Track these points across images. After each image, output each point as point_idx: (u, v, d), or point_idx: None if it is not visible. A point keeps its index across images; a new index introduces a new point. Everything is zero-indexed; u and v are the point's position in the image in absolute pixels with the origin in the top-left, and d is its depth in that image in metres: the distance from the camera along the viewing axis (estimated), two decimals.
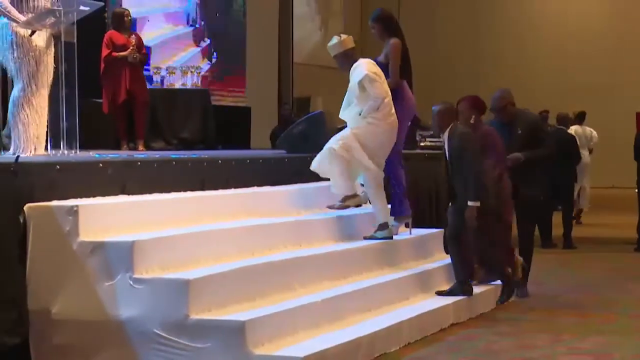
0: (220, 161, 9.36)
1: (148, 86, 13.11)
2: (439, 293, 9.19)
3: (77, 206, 7.01)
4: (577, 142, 15.79)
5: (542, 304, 9.95)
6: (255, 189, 9.24)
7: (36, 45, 8.97)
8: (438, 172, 12.80)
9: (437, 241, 10.45)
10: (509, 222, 9.72)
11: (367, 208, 9.61)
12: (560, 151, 14.57)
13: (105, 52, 12.18)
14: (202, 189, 8.66)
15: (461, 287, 9.17)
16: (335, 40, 9.34)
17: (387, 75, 9.46)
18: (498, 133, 9.84)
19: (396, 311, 8.36)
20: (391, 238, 9.45)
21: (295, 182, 9.79)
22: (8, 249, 6.86)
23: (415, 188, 12.00)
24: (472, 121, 9.68)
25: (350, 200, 9.29)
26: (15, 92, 8.97)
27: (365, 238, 9.29)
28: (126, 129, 12.38)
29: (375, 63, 9.38)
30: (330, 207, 9.31)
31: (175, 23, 17.06)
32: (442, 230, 10.61)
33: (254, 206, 8.79)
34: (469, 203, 9.01)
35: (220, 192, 8.78)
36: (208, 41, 17.59)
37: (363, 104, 9.13)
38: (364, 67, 9.14)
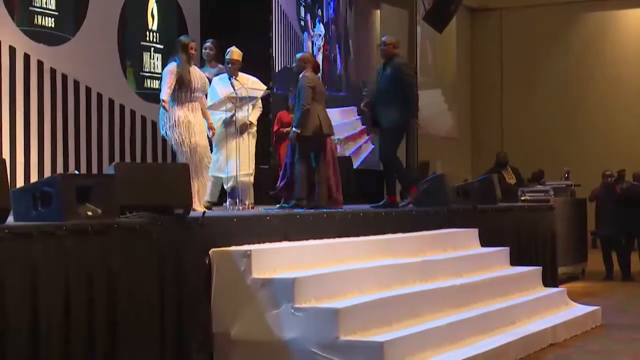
0: (361, 214, 9.25)
1: None
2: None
3: (250, 250, 6.98)
4: None
5: (625, 326, 9.59)
6: (389, 235, 9.04)
7: (189, 122, 8.78)
8: (537, 220, 12.52)
9: (536, 276, 10.07)
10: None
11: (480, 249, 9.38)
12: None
13: (275, 127, 12.26)
14: (347, 235, 8.56)
15: (297, 203, 9.51)
16: (235, 48, 9.85)
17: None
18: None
19: (505, 334, 8.08)
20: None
21: (420, 230, 9.59)
22: (197, 284, 6.83)
23: (518, 234, 11.73)
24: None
25: None
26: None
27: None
28: None
29: None
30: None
31: (346, 116, 17.18)
32: (540, 267, 10.33)
33: (388, 249, 8.62)
34: (293, 129, 9.35)
35: (361, 238, 8.66)
36: (364, 127, 17.53)
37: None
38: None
